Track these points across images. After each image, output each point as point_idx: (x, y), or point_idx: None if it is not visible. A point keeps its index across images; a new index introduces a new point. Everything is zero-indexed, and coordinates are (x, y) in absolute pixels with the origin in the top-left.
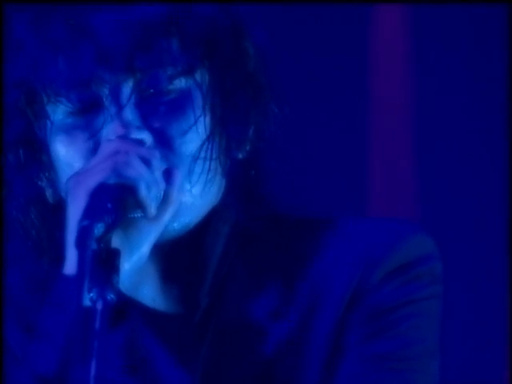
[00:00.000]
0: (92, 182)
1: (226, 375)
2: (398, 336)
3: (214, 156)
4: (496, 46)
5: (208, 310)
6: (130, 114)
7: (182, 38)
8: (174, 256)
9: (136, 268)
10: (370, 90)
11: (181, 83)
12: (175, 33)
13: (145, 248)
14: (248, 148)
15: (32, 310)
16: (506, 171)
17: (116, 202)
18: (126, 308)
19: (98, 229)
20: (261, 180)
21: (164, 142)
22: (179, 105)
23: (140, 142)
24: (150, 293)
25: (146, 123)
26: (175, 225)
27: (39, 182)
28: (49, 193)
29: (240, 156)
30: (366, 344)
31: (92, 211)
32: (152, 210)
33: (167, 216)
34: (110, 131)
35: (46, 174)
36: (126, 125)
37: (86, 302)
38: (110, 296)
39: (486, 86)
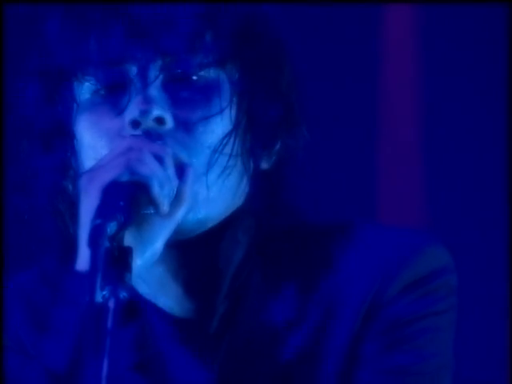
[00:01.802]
0: (105, 178)
1: (242, 382)
2: (415, 349)
3: (234, 152)
4: (496, 46)
5: (225, 317)
6: (155, 93)
7: (216, 31)
8: (190, 260)
9: (149, 264)
10: (379, 92)
11: (210, 73)
12: (210, 26)
13: (158, 244)
14: (274, 159)
15: (45, 307)
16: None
17: (129, 200)
18: (138, 305)
19: (111, 227)
20: (284, 192)
21: (185, 128)
22: (206, 93)
23: (154, 137)
24: (165, 297)
25: (170, 106)
26: (190, 216)
27: (64, 175)
28: (71, 187)
29: (265, 166)
30: (382, 357)
31: (105, 209)
32: (165, 207)
33: (180, 213)
34: (133, 106)
35: (71, 165)
36: (149, 101)
37: (99, 300)
38: (123, 294)
39: (485, 86)
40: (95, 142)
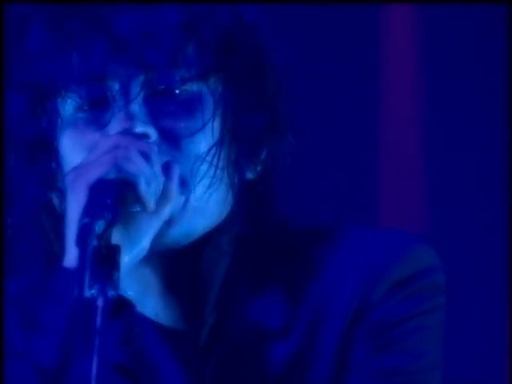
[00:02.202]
0: (92, 176)
1: None
2: (404, 350)
3: (220, 164)
4: (496, 46)
5: (214, 327)
6: (137, 108)
7: (198, 44)
8: (175, 270)
9: (136, 261)
10: (380, 92)
11: (192, 86)
12: (192, 38)
13: (145, 242)
14: (259, 169)
15: (34, 308)
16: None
17: (116, 198)
18: (125, 302)
19: (99, 226)
20: (270, 201)
21: (170, 140)
22: (189, 107)
23: (140, 137)
24: (153, 306)
25: (153, 120)
26: (175, 228)
27: (49, 189)
28: (56, 201)
29: (250, 176)
30: (373, 359)
31: (92, 208)
32: (151, 204)
33: (167, 210)
34: (115, 123)
35: (56, 180)
36: (131, 117)
37: (87, 298)
38: (111, 292)
39: (485, 87)
40: (78, 158)
